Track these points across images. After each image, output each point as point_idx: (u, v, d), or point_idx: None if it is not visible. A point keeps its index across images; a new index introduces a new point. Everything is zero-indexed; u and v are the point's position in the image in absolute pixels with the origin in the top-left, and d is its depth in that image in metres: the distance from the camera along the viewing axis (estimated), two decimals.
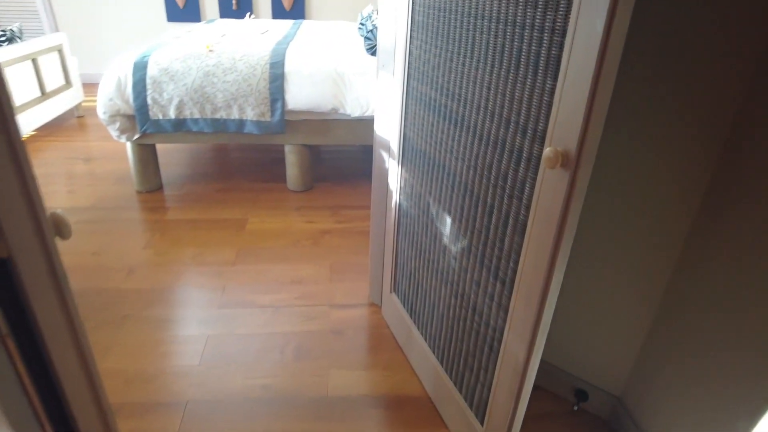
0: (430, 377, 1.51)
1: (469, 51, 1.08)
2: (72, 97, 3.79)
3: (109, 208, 2.58)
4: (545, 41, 0.85)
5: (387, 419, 1.46)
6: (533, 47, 0.88)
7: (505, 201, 1.02)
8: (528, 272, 0.98)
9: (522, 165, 0.96)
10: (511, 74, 0.95)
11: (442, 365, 1.43)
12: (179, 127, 2.51)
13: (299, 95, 2.52)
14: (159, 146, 3.44)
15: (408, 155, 1.46)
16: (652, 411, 1.31)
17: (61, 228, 0.57)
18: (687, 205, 1.16)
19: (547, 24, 0.84)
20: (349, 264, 2.18)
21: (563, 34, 0.81)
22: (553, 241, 0.90)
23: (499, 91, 0.99)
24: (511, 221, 1.01)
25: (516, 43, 0.92)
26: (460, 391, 1.34)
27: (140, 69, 2.42)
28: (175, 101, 2.44)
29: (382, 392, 1.55)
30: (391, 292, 1.74)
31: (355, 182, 3.01)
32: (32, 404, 0.59)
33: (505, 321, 1.09)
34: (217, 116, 2.50)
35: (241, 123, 2.54)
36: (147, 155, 2.68)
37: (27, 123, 3.25)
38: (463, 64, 1.11)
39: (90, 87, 4.79)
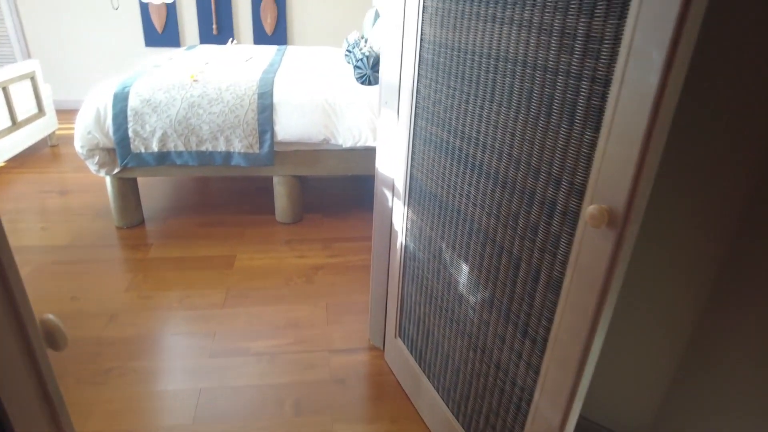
0: (443, 431, 1.42)
1: (488, 94, 1.01)
2: (45, 126, 3.63)
3: (87, 246, 2.43)
4: (584, 90, 0.78)
5: None
6: (569, 95, 0.81)
7: (535, 254, 0.95)
8: (564, 333, 0.90)
9: (556, 218, 0.89)
10: (541, 122, 0.88)
11: (458, 420, 1.34)
12: (163, 160, 2.39)
13: (289, 126, 2.43)
14: (140, 178, 3.30)
15: (415, 196, 1.38)
16: None
17: (54, 337, 0.47)
18: (715, 248, 1.11)
19: (585, 72, 0.77)
20: (346, 304, 2.08)
21: (605, 84, 0.74)
22: (595, 304, 0.82)
23: (527, 138, 0.93)
24: (543, 277, 0.94)
25: (548, 90, 0.86)
26: None
27: (121, 100, 2.31)
28: (158, 133, 2.33)
29: None
30: (396, 336, 1.65)
31: (346, 213, 2.93)
32: None
33: (535, 382, 1.01)
34: (203, 149, 2.39)
35: (228, 155, 2.43)
36: (127, 189, 2.55)
37: None
38: (481, 107, 1.04)
39: (65, 114, 4.62)
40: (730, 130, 1.02)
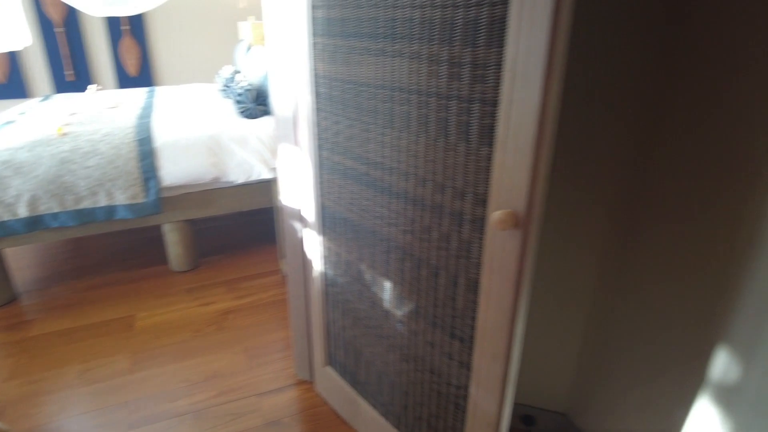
0: None
1: (388, 121, 1.09)
2: None
3: None
4: (474, 111, 0.89)
5: None
6: (462, 117, 0.92)
7: (451, 261, 1.04)
8: (489, 328, 0.99)
9: (465, 227, 0.98)
10: (440, 142, 0.98)
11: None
12: (35, 226, 2.15)
13: (175, 170, 2.33)
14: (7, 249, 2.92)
15: (329, 224, 1.42)
16: (598, 419, 1.41)
17: None
18: (603, 226, 1.29)
19: (474, 95, 0.88)
20: (265, 343, 2.03)
21: (494, 104, 0.86)
22: (512, 297, 0.93)
23: (429, 158, 1.02)
24: (461, 280, 1.03)
25: (443, 114, 0.96)
26: None
27: None
28: (26, 197, 2.10)
29: None
30: (325, 365, 1.65)
31: (245, 250, 2.85)
32: None
33: (468, 378, 1.09)
34: (82, 206, 2.20)
35: (110, 210, 2.26)
36: None
37: None
38: (383, 134, 1.12)
39: None
40: (606, 135, 1.22)
